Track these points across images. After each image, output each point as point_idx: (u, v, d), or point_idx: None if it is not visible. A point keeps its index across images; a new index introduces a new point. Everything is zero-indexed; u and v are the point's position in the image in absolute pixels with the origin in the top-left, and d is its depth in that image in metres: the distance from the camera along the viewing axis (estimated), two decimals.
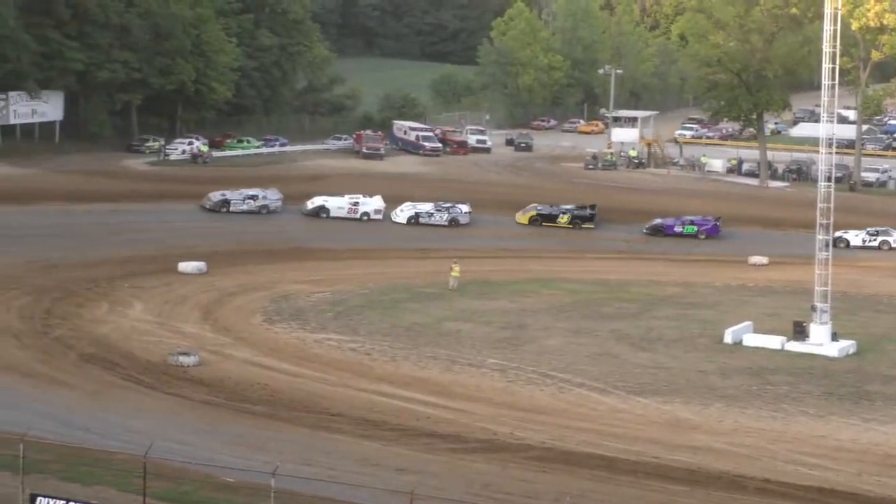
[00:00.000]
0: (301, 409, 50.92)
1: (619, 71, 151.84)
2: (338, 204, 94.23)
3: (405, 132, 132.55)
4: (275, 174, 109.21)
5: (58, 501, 31.50)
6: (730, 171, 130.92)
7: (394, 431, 48.36)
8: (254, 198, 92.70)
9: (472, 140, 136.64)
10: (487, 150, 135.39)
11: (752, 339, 64.33)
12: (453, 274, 75.46)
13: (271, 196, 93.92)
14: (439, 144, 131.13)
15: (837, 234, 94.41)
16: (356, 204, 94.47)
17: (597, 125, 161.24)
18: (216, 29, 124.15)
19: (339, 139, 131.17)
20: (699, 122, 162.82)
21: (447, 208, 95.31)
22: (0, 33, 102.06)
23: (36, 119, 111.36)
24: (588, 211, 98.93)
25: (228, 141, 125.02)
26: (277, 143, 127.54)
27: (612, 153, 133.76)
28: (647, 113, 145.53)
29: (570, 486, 41.17)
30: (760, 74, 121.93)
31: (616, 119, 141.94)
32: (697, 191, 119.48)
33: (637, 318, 69.85)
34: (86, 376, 54.57)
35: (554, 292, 76.70)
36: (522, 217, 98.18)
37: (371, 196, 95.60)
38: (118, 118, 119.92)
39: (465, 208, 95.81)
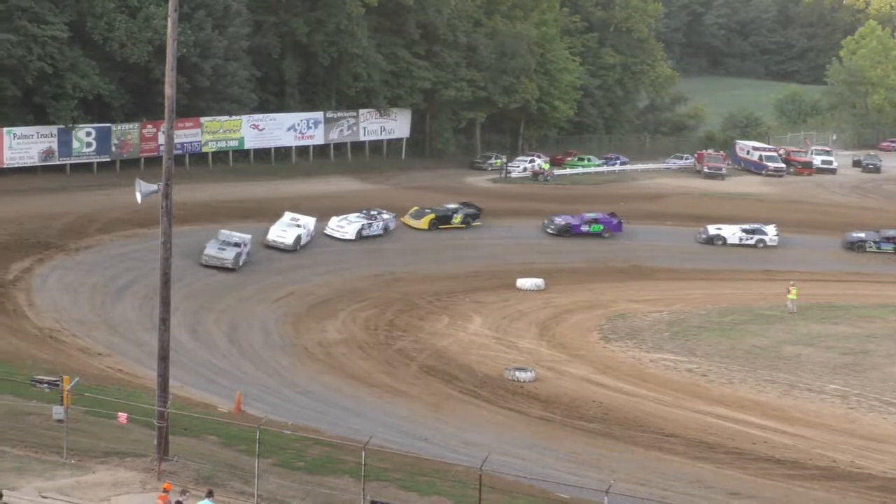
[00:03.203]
0: (635, 428, 50.81)
1: None
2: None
3: (748, 152, 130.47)
4: (615, 193, 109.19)
5: None
6: None
7: (729, 454, 47.75)
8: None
9: (817, 161, 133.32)
10: (833, 171, 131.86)
11: None
12: (790, 297, 73.96)
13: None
14: (783, 165, 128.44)
15: (713, 230, 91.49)
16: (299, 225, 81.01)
17: None
18: (560, 48, 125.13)
19: (680, 158, 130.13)
20: None
21: (376, 216, 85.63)
22: (354, 52, 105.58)
23: (384, 136, 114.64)
24: (473, 210, 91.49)
25: (569, 159, 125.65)
26: (618, 161, 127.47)
27: None
28: None
29: None
30: None
31: None
32: None
33: None
34: (425, 388, 55.89)
35: None
36: (420, 223, 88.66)
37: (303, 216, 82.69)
38: (462, 136, 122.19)
39: (389, 215, 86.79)
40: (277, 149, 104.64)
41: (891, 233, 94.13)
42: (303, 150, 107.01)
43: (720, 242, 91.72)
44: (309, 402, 51.89)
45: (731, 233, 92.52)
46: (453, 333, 66.05)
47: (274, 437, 38.05)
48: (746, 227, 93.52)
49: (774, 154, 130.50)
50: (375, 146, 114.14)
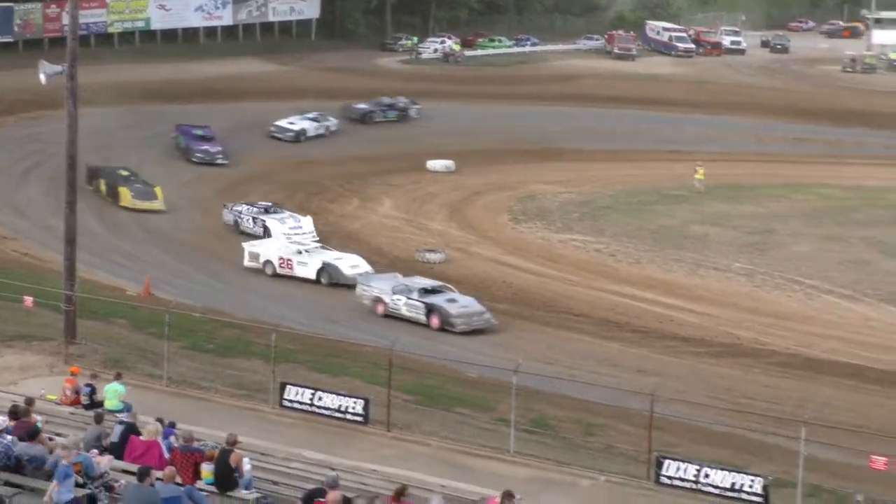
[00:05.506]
0: (544, 308, 51.21)
1: None
2: None
3: (658, 32, 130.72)
4: (525, 74, 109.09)
5: (306, 391, 32.47)
6: None
7: (636, 333, 48.32)
8: None
9: (726, 41, 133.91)
10: (742, 52, 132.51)
11: None
12: (697, 176, 74.60)
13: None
14: (692, 45, 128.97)
15: (293, 126, 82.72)
16: None
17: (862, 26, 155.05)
18: None
19: (591, 39, 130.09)
20: None
21: None
22: None
23: (294, 17, 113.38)
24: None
25: (480, 40, 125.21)
26: (528, 42, 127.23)
27: (871, 56, 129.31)
28: None
29: (814, 394, 40.53)
30: None
31: (878, 21, 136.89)
32: None
33: (892, 226, 67.74)
34: None
35: (806, 197, 75.07)
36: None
37: None
38: (372, 16, 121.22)
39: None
40: (185, 29, 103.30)
41: (386, 100, 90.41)
42: (211, 31, 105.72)
43: (304, 138, 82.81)
44: (219, 286, 51.81)
45: (313, 127, 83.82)
46: (364, 216, 66.04)
47: (183, 319, 38.03)
48: (311, 115, 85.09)
49: (684, 35, 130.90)
50: (285, 27, 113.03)
